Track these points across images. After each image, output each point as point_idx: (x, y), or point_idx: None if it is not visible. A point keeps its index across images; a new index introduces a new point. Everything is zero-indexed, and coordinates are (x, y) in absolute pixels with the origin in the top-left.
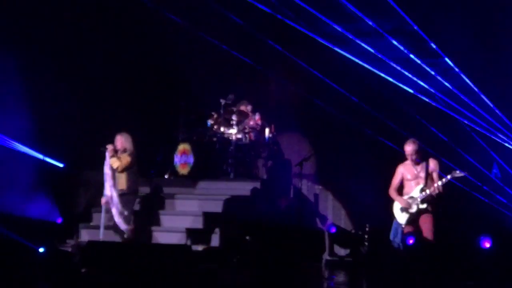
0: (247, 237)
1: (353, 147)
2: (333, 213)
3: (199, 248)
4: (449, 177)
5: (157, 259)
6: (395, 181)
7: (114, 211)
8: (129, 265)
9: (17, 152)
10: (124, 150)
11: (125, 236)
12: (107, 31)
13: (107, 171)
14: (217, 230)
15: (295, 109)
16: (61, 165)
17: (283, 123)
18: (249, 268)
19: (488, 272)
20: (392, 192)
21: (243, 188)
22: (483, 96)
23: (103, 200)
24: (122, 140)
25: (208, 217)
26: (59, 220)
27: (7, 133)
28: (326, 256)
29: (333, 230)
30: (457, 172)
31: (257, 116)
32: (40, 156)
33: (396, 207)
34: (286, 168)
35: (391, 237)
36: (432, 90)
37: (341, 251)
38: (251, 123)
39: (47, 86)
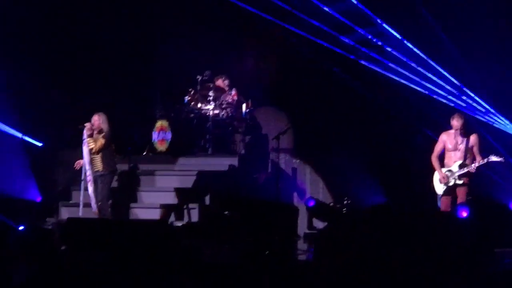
0: (226, 212)
1: (331, 119)
2: (312, 186)
3: (179, 223)
4: (486, 160)
5: (136, 235)
6: (437, 148)
7: (90, 189)
8: (109, 241)
9: None
10: (100, 131)
11: (97, 215)
12: (80, 5)
13: (84, 149)
14: (196, 205)
15: (271, 83)
16: (40, 144)
17: (259, 98)
18: (228, 242)
19: None
20: (434, 160)
21: (221, 163)
22: None
23: (77, 164)
24: (98, 120)
25: (187, 192)
26: (39, 199)
27: None
28: (305, 230)
29: (312, 203)
30: (495, 157)
31: (233, 92)
32: (19, 135)
33: (436, 177)
34: (264, 142)
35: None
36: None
37: (320, 224)
38: (228, 98)
39: (25, 64)
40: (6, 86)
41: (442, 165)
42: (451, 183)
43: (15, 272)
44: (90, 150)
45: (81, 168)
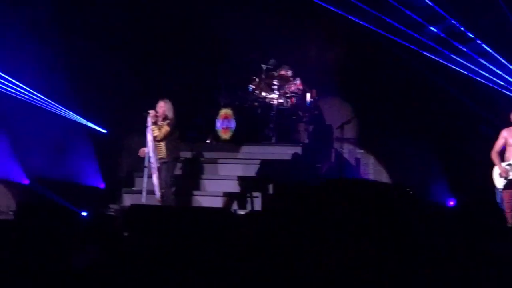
0: (289, 202)
1: (395, 109)
2: (375, 176)
3: (242, 212)
4: None
5: (199, 222)
6: (498, 144)
7: (154, 176)
8: (171, 229)
9: (61, 117)
10: (165, 118)
11: (160, 203)
12: None
13: (148, 136)
14: (258, 194)
15: (336, 73)
16: (104, 131)
17: (324, 88)
18: (290, 232)
19: None
20: (494, 155)
21: (285, 152)
22: None
23: (141, 152)
24: (164, 107)
25: (250, 181)
26: (102, 185)
27: (52, 98)
28: None
29: None
30: None
31: (298, 81)
32: (84, 122)
33: (495, 172)
34: (328, 132)
35: (498, 200)
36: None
37: None
38: (293, 87)
39: (90, 52)
40: (71, 74)
41: (502, 160)
42: (511, 176)
43: (78, 257)
44: (154, 137)
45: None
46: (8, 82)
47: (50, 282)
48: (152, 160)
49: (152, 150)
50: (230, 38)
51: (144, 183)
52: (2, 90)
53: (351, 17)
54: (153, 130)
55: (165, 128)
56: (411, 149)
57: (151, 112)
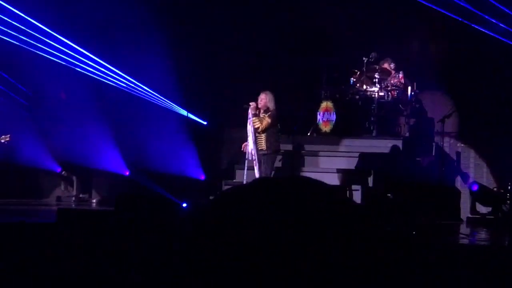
0: (389, 194)
1: (497, 103)
2: (475, 171)
3: None
4: None
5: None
6: None
7: (255, 168)
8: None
9: (163, 109)
10: (267, 110)
11: None
12: None
13: (249, 128)
14: (359, 187)
15: (438, 66)
16: (204, 123)
17: (425, 81)
18: (391, 225)
19: None
20: None
21: (385, 145)
22: None
23: (245, 146)
24: (265, 99)
25: (350, 174)
26: (202, 177)
27: (155, 90)
28: (467, 214)
29: (475, 188)
30: None
31: (400, 75)
32: (184, 113)
33: None
34: (428, 126)
35: None
36: None
37: (483, 209)
38: (394, 81)
39: (195, 46)
40: (173, 65)
41: None
42: None
43: (179, 248)
44: (256, 129)
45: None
46: (111, 73)
47: (149, 271)
48: (253, 152)
49: (252, 142)
50: (333, 32)
51: (244, 175)
52: (106, 81)
53: (452, 15)
54: (254, 122)
55: (266, 120)
56: None
57: (252, 104)
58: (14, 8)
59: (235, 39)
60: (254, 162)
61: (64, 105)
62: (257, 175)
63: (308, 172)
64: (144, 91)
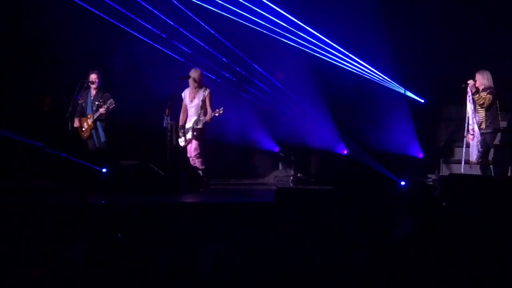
0: None
1: None
2: None
3: None
4: None
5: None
6: None
7: (475, 147)
8: (490, 198)
9: (381, 87)
10: (484, 89)
11: (481, 171)
12: None
13: (469, 106)
14: None
15: None
16: (422, 100)
17: None
18: None
19: None
20: None
21: None
22: None
23: (469, 137)
24: (482, 79)
25: None
26: (421, 155)
27: (372, 65)
28: None
29: None
30: None
31: None
32: (402, 90)
33: None
34: None
35: None
36: None
37: None
38: None
39: (410, 22)
40: (391, 43)
41: None
42: None
43: (396, 226)
44: (481, 105)
45: (463, 124)
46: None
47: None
48: (471, 127)
49: (472, 120)
50: None
51: (463, 153)
52: (323, 58)
53: None
54: (478, 99)
55: (488, 97)
56: None
57: (470, 82)
58: None
59: (450, 13)
60: (473, 140)
61: (282, 84)
62: (474, 154)
63: None
64: (362, 68)
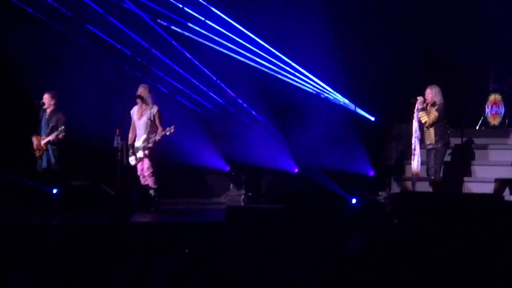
0: None
1: None
2: None
3: None
4: None
5: (469, 209)
6: None
7: (415, 161)
8: (441, 215)
9: (331, 104)
10: (434, 104)
11: (432, 188)
12: None
13: (414, 123)
14: None
15: None
16: (372, 118)
17: None
18: None
19: None
20: None
21: None
22: None
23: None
24: (431, 93)
25: None
26: (371, 173)
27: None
28: None
29: None
30: None
31: None
32: (352, 107)
33: None
34: None
35: None
36: None
37: None
38: None
39: (363, 42)
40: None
41: None
42: None
43: (348, 242)
44: (424, 123)
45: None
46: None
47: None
48: (414, 146)
49: (415, 136)
50: (501, 23)
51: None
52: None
53: None
54: (421, 116)
55: (434, 114)
56: None
57: (419, 98)
58: None
59: (403, 35)
60: (413, 155)
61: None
62: (414, 168)
63: (479, 166)
64: (315, 85)
